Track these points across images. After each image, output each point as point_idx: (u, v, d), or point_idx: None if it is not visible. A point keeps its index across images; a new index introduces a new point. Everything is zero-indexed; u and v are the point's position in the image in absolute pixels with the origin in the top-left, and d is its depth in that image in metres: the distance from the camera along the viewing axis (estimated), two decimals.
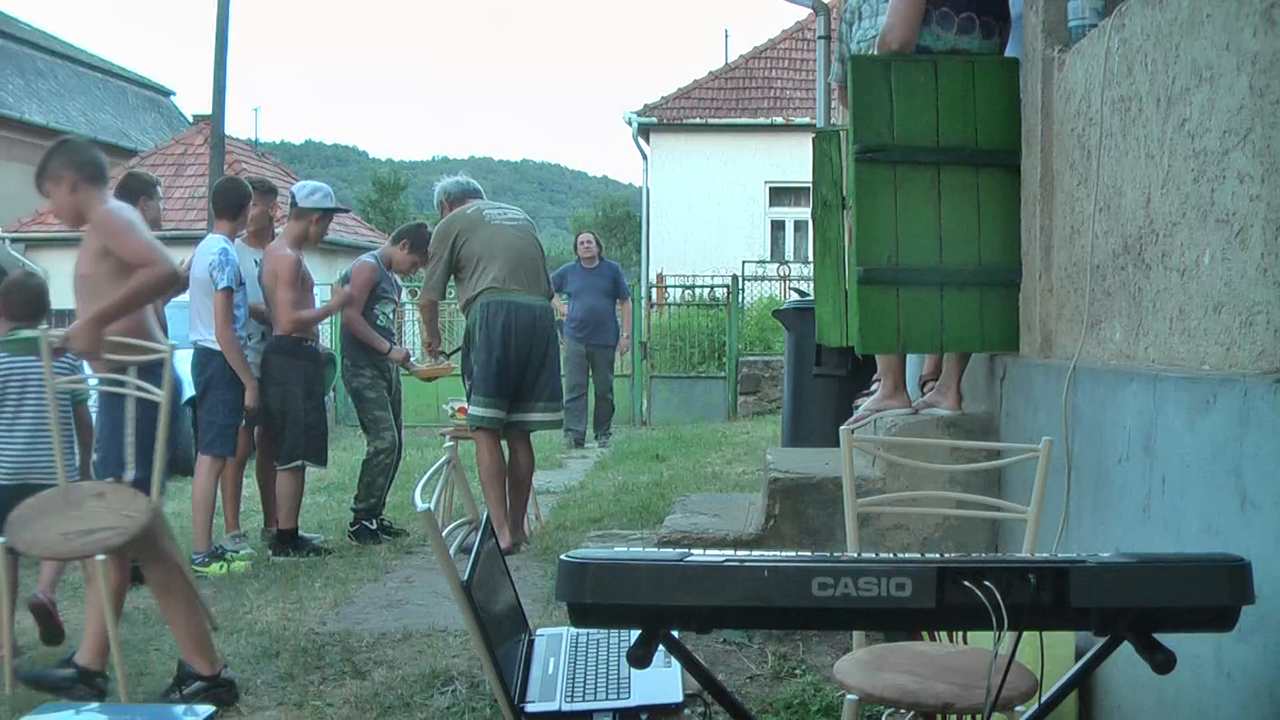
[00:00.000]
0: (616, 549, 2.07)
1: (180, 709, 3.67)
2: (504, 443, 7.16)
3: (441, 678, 4.61)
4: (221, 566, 6.86)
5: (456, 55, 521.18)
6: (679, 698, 2.95)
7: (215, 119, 16.44)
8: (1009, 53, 4.89)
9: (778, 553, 2.07)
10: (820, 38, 11.61)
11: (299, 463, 7.35)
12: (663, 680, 3.01)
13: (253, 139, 37.64)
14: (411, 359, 8.23)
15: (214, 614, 5.38)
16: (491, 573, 2.99)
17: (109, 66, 31.58)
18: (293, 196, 7.48)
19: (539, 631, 3.42)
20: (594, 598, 1.98)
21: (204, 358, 7.06)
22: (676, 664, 2.87)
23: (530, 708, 2.87)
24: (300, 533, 7.41)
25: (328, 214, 7.57)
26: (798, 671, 4.45)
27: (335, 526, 8.10)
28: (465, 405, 7.31)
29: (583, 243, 13.52)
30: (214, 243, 7.03)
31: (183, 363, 7.29)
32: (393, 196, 54.63)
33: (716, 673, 4.22)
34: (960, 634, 3.51)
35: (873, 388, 5.72)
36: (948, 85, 4.62)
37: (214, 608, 5.87)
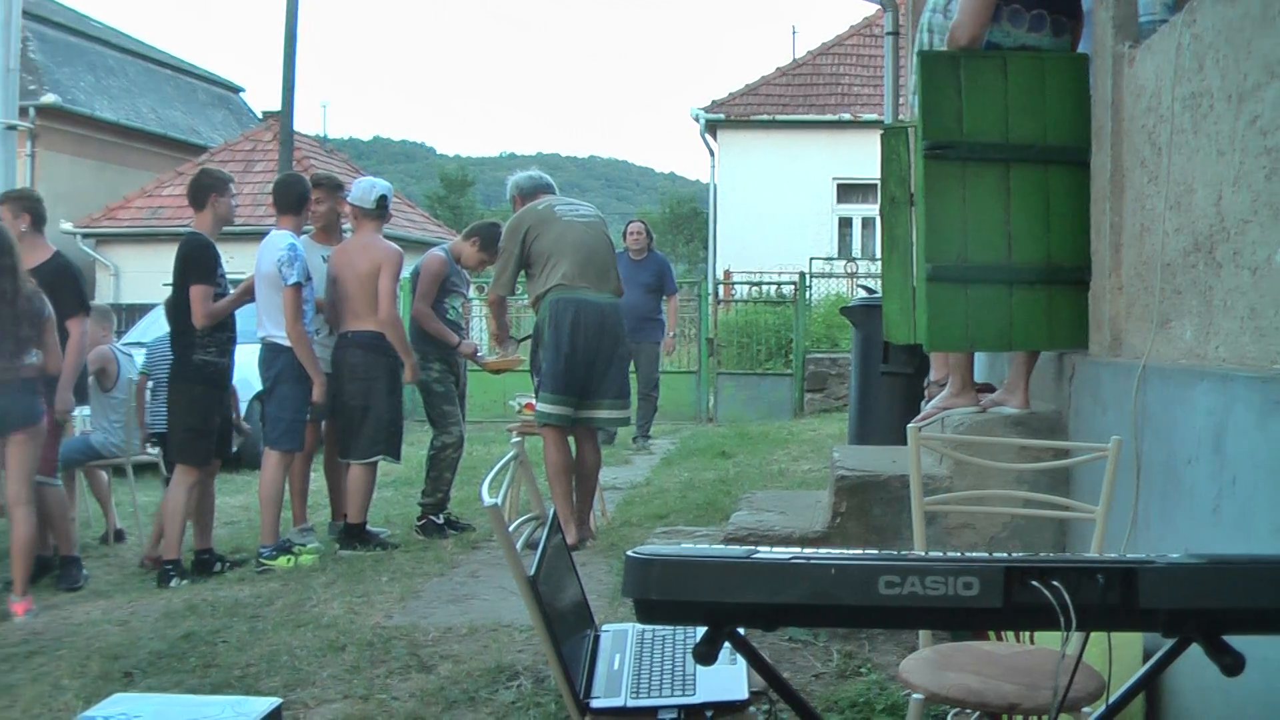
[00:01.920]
0: (682, 545, 2.07)
1: (247, 700, 3.70)
2: (571, 439, 7.19)
3: (507, 672, 4.63)
4: (289, 560, 6.95)
5: (525, 52, 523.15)
6: (744, 695, 2.93)
7: (284, 115, 16.63)
8: (1080, 49, 4.85)
9: (844, 550, 2.06)
10: (888, 34, 11.54)
11: (376, 457, 7.43)
12: (728, 677, 3.00)
13: (321, 135, 38.03)
14: (479, 352, 8.26)
15: None
16: (557, 568, 3.00)
17: (179, 63, 31.95)
18: (384, 200, 7.57)
19: (605, 627, 3.42)
20: (660, 594, 1.98)
21: (272, 353, 7.15)
22: (742, 661, 2.87)
23: (595, 703, 2.88)
24: (368, 527, 7.48)
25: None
26: (863, 670, 4.44)
27: (402, 521, 8.17)
28: (532, 401, 7.34)
29: (632, 233, 12.59)
30: (281, 239, 7.10)
31: (248, 358, 7.40)
32: (460, 193, 55.10)
33: (782, 670, 4.22)
34: (1027, 634, 3.49)
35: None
36: (1017, 81, 4.58)
37: (280, 601, 5.95)
